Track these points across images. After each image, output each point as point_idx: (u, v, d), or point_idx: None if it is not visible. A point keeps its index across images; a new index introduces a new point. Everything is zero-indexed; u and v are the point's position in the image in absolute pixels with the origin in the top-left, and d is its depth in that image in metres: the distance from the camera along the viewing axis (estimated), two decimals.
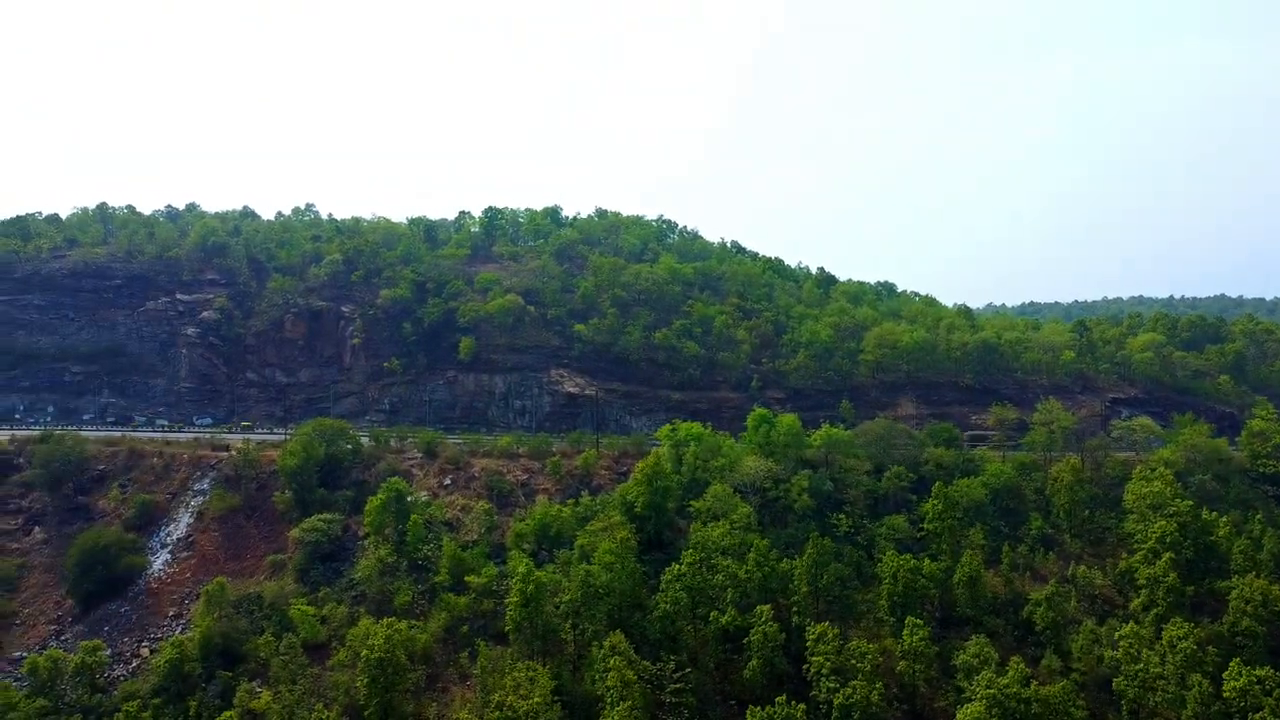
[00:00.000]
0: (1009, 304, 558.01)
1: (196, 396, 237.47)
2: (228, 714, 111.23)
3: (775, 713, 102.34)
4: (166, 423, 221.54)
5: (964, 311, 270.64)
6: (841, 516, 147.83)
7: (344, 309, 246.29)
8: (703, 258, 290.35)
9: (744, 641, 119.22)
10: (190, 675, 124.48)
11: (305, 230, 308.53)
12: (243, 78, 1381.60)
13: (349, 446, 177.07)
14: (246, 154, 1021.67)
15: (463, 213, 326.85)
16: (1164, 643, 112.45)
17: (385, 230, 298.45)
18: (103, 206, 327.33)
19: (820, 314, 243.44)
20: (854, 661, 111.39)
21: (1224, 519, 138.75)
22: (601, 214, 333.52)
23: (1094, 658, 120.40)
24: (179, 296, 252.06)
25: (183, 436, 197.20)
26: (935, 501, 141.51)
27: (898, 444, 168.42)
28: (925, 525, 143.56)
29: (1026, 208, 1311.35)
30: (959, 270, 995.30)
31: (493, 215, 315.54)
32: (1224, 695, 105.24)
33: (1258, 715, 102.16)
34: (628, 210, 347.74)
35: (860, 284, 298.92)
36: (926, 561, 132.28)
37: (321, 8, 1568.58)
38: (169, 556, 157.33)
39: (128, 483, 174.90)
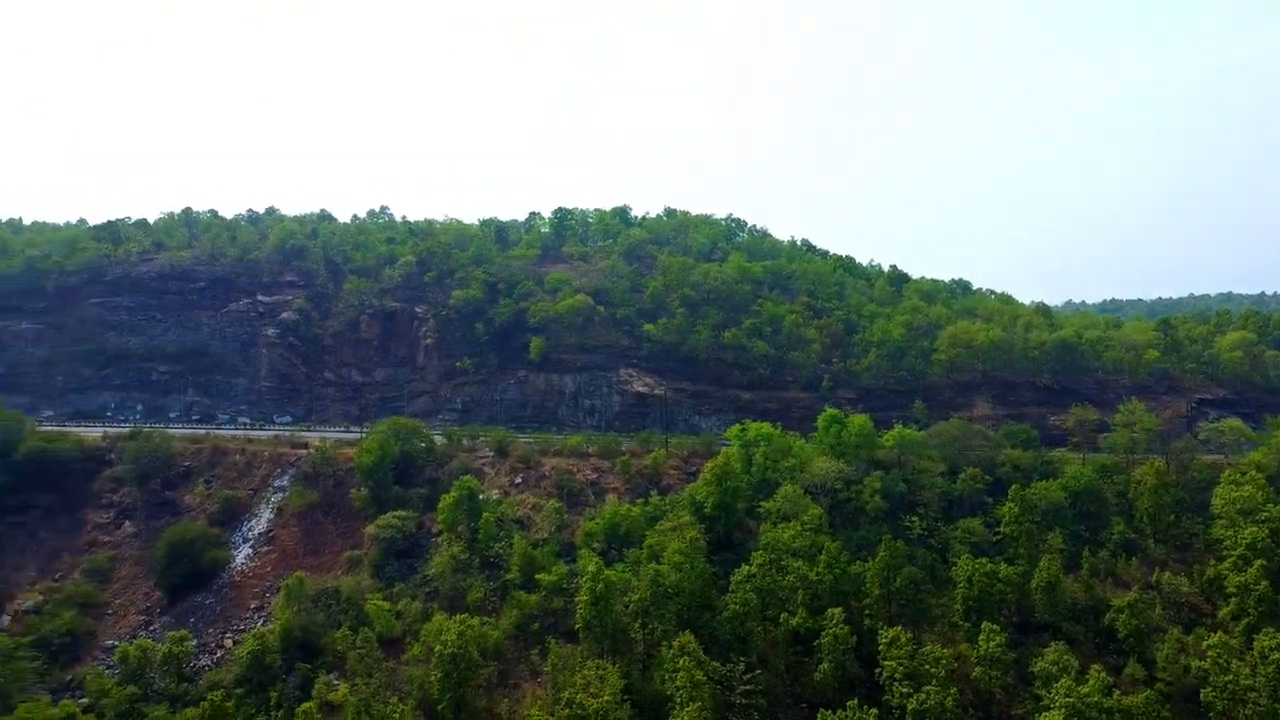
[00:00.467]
0: (1089, 301, 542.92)
1: (276, 395, 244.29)
2: (307, 705, 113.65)
3: (846, 717, 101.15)
4: (248, 421, 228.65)
5: (1041, 309, 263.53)
6: (914, 519, 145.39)
7: (417, 309, 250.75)
8: (772, 256, 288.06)
9: (814, 644, 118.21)
10: (271, 666, 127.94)
11: (380, 232, 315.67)
12: (241, 78, 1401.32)
13: (423, 445, 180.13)
14: (246, 154, 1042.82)
15: (533, 214, 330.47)
16: (1255, 653, 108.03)
17: (457, 231, 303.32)
18: (187, 211, 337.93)
19: (892, 312, 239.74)
20: (928, 667, 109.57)
21: None
22: (670, 213, 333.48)
23: (1180, 667, 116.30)
24: (259, 298, 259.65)
25: (263, 434, 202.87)
26: (1012, 504, 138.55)
27: (973, 445, 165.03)
28: (1001, 528, 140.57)
29: (1103, 199, 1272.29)
30: (1034, 269, 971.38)
31: (562, 216, 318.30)
32: None
33: None
34: (696, 209, 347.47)
35: (934, 282, 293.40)
36: (1003, 566, 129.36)
37: (321, 8, 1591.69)
38: (250, 551, 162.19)
39: (212, 479, 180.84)
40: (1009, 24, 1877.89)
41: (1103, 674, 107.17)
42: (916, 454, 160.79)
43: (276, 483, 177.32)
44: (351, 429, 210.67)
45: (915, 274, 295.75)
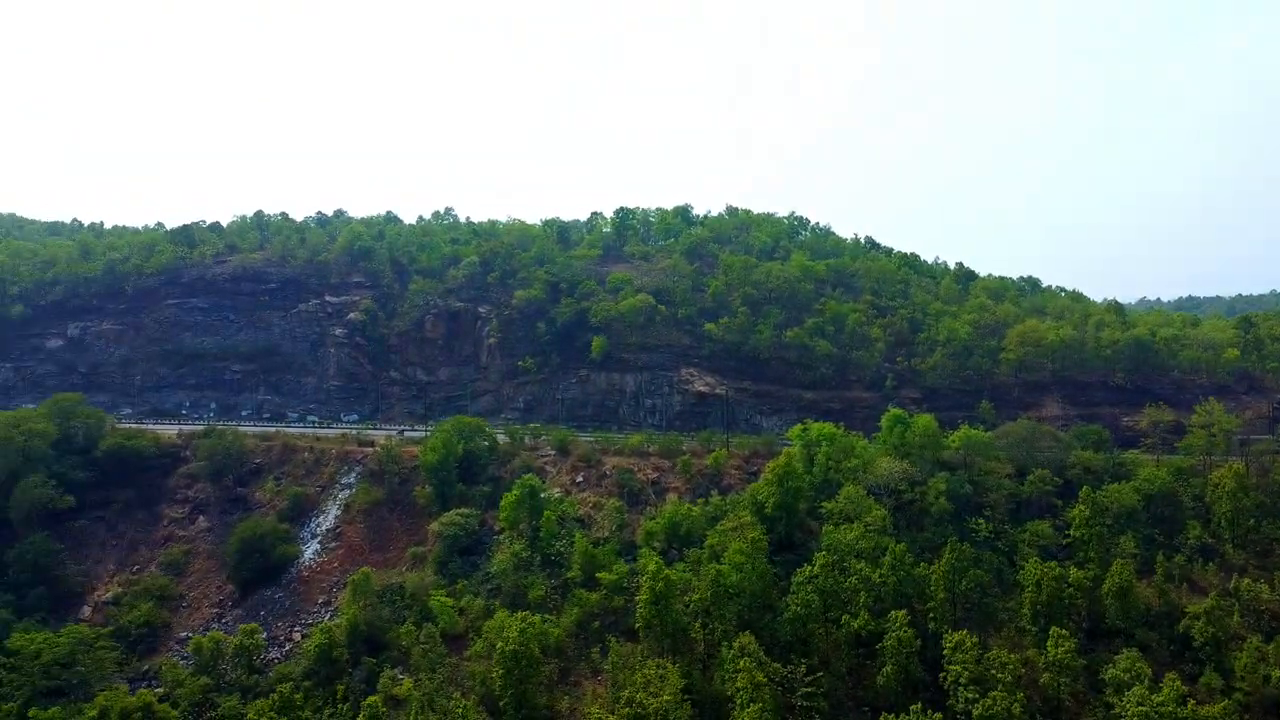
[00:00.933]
0: (1164, 299, 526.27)
1: (344, 394, 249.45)
2: (372, 699, 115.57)
3: None
4: (316, 419, 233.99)
5: (1114, 307, 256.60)
6: (981, 521, 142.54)
7: (481, 309, 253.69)
8: (834, 255, 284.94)
9: (877, 647, 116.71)
10: (338, 660, 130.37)
11: (444, 234, 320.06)
12: (240, 77, 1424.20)
13: (486, 443, 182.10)
14: (247, 154, 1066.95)
15: (594, 214, 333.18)
16: None
17: (520, 232, 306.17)
18: (259, 214, 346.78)
19: (959, 311, 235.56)
20: (994, 672, 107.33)
21: None
22: (732, 212, 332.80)
23: (1259, 677, 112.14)
24: (328, 299, 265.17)
25: (331, 432, 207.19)
26: (1083, 507, 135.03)
27: (1042, 446, 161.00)
28: (1071, 532, 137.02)
29: (1176, 197, 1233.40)
30: (1108, 266, 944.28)
31: (624, 215, 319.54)
32: None
33: None
34: (757, 207, 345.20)
35: (1002, 279, 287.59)
36: (1073, 570, 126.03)
37: (321, 8, 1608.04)
38: (318, 546, 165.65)
39: (281, 476, 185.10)
40: (1082, 6, 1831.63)
41: (1177, 683, 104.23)
42: (983, 455, 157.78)
43: (343, 480, 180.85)
44: (416, 427, 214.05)
45: (982, 272, 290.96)
